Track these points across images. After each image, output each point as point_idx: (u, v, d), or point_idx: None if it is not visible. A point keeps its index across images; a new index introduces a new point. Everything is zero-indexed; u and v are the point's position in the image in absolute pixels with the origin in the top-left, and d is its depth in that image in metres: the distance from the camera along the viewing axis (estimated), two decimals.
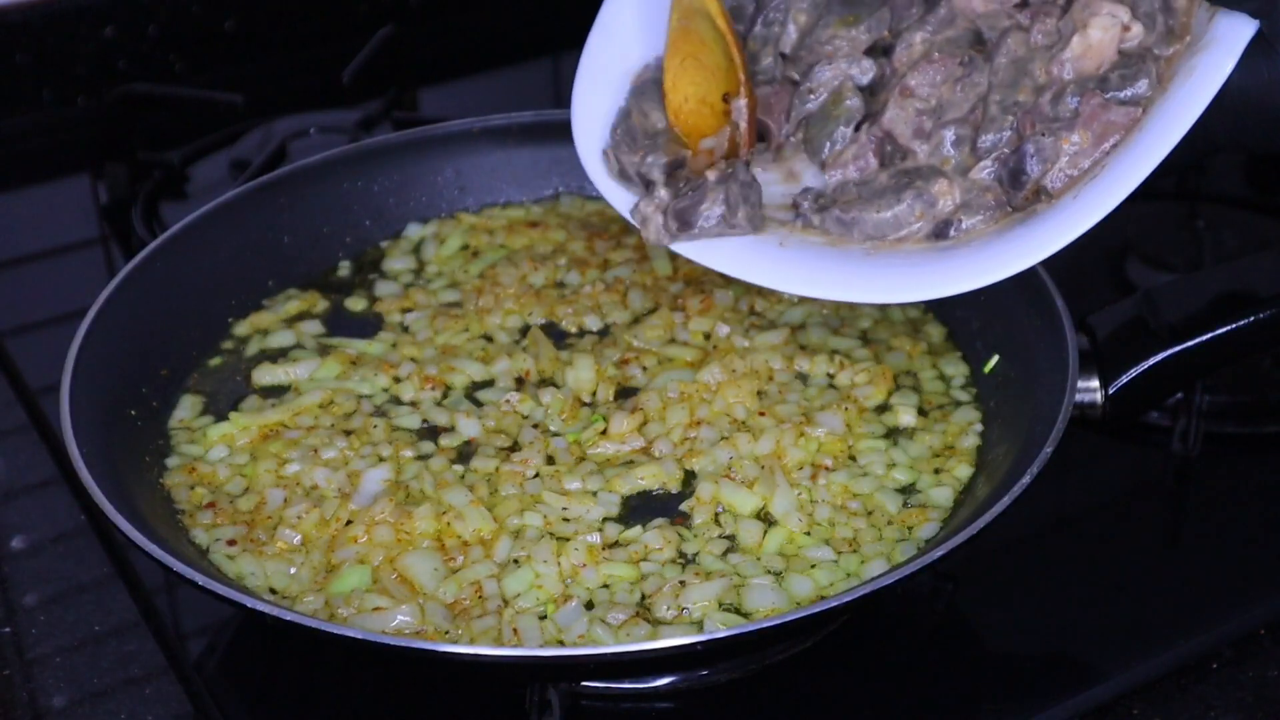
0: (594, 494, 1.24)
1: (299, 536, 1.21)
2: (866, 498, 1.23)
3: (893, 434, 1.30)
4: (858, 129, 1.23)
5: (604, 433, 1.30)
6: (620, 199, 1.27)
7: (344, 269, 1.54)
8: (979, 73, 1.19)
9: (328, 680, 1.20)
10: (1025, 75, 1.17)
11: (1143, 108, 1.12)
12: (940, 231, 1.17)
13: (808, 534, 1.20)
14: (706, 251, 1.21)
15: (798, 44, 1.28)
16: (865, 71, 1.24)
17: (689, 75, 1.25)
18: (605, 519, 1.22)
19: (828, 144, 1.24)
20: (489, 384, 1.37)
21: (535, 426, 1.31)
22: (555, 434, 1.31)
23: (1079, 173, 1.13)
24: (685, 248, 1.22)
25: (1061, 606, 1.24)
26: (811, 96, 1.25)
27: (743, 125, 1.24)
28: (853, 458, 1.27)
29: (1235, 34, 1.06)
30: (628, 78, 1.33)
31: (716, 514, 1.22)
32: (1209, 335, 1.25)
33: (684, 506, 1.23)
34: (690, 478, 1.26)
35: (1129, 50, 1.14)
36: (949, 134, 1.19)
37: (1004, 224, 1.16)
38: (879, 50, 1.25)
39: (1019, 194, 1.15)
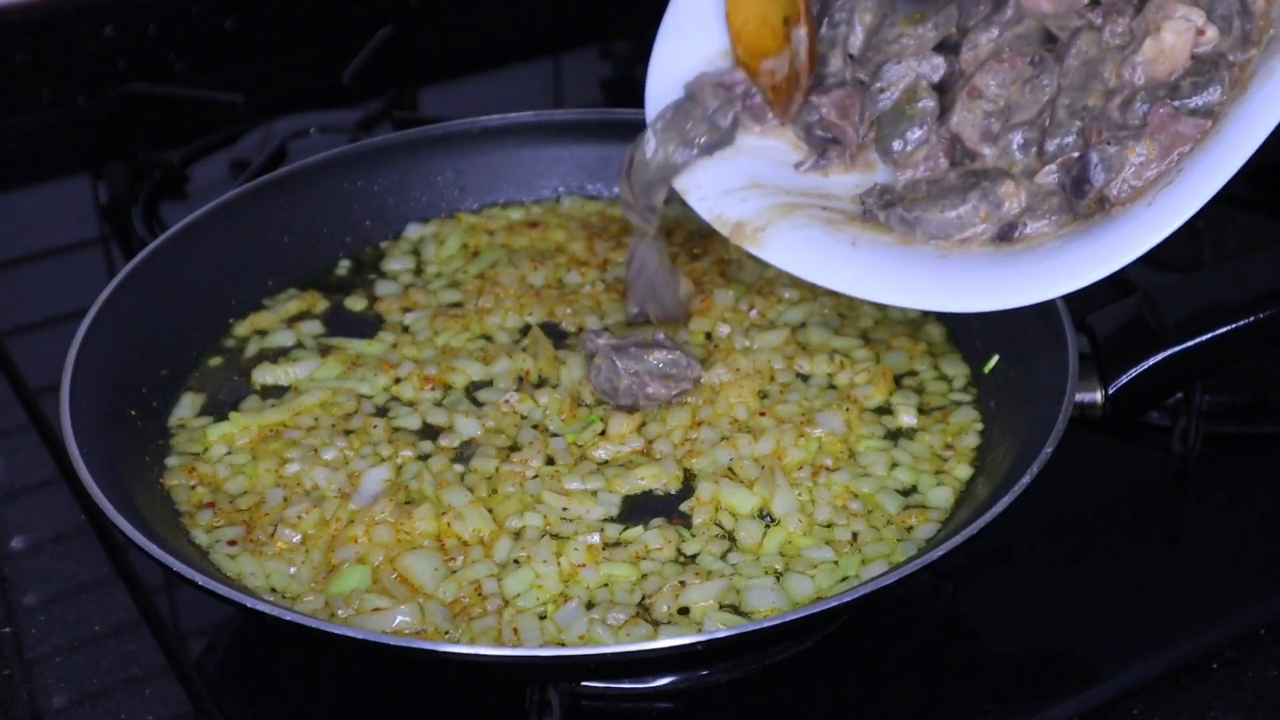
0: (594, 494, 1.24)
1: (299, 536, 1.21)
2: (867, 498, 1.23)
3: (893, 434, 1.30)
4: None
5: (603, 433, 1.30)
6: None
7: (343, 269, 1.54)
8: (1048, 74, 1.17)
9: (328, 680, 1.20)
10: (1095, 78, 1.15)
11: (1214, 118, 1.10)
12: (1005, 234, 1.16)
13: (806, 534, 1.20)
14: (783, 256, 1.22)
15: (865, 44, 1.27)
16: (936, 69, 1.24)
17: None
18: (605, 519, 1.22)
19: (899, 143, 1.24)
20: (489, 384, 1.37)
21: (535, 427, 1.31)
22: (554, 434, 1.31)
23: (1143, 183, 1.11)
24: (762, 252, 1.22)
25: (1061, 606, 1.24)
26: (884, 95, 1.25)
27: (802, 53, 1.25)
28: (853, 458, 1.27)
29: None
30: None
31: (716, 514, 1.22)
32: (1209, 335, 1.24)
33: (684, 507, 1.23)
34: (690, 478, 1.26)
35: (1202, 55, 1.12)
36: (1016, 137, 1.18)
37: (1071, 230, 1.15)
38: (947, 48, 1.25)
39: (1082, 202, 1.13)
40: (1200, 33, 1.11)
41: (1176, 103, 1.11)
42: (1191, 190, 1.08)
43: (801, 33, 1.25)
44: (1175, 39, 1.12)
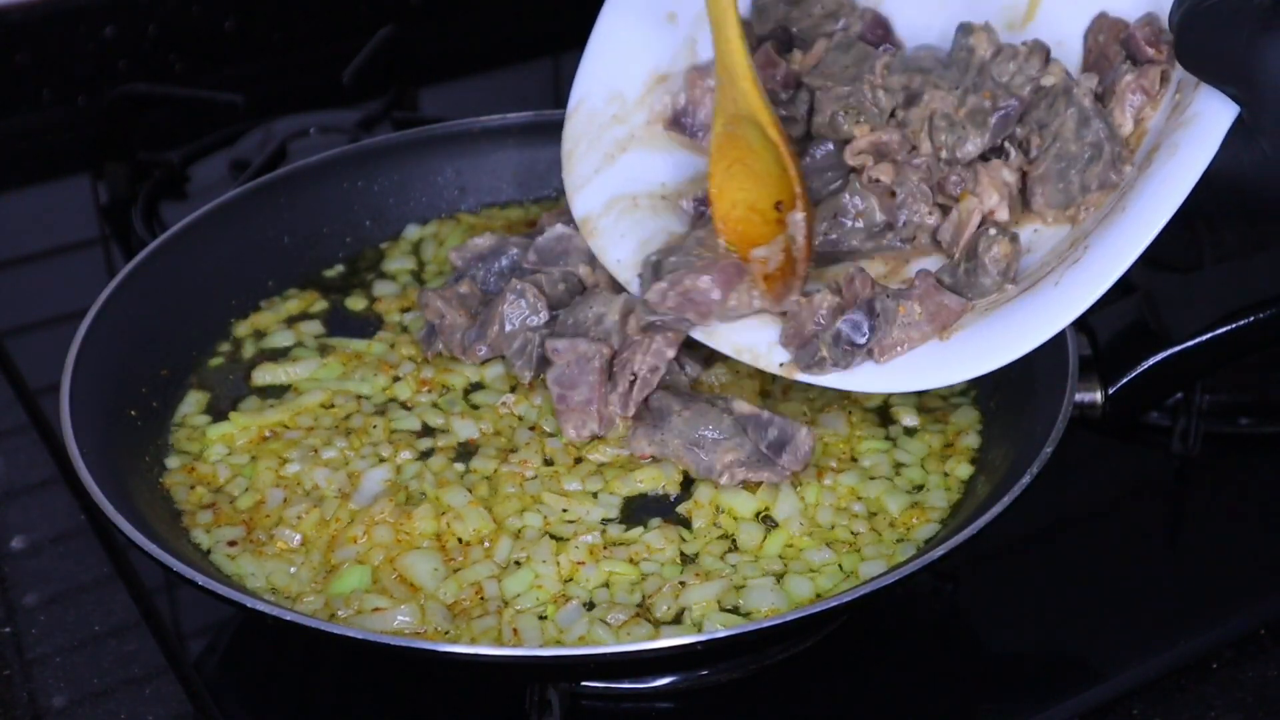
0: (594, 495, 1.24)
1: (299, 536, 1.21)
2: (871, 500, 1.23)
3: (893, 435, 1.30)
4: None
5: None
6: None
7: (342, 269, 1.53)
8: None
9: (328, 680, 1.20)
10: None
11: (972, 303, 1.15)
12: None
13: (809, 537, 1.20)
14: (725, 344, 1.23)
15: None
16: None
17: (736, 181, 1.23)
18: (604, 520, 1.22)
19: None
20: (486, 386, 1.36)
21: (531, 429, 1.31)
22: (550, 435, 1.30)
23: (908, 342, 1.15)
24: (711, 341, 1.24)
25: (1061, 606, 1.24)
26: None
27: (800, 239, 1.20)
28: (855, 459, 1.27)
29: (1218, 115, 1.04)
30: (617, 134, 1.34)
31: (716, 517, 1.22)
32: (1209, 335, 1.25)
33: (681, 509, 1.22)
34: (689, 481, 1.25)
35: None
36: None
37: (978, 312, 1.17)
38: None
39: (853, 355, 1.17)
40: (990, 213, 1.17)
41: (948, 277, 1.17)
42: (1105, 265, 1.07)
43: (799, 217, 1.20)
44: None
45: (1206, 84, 1.05)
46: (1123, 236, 1.07)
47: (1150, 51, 1.14)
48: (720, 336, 1.23)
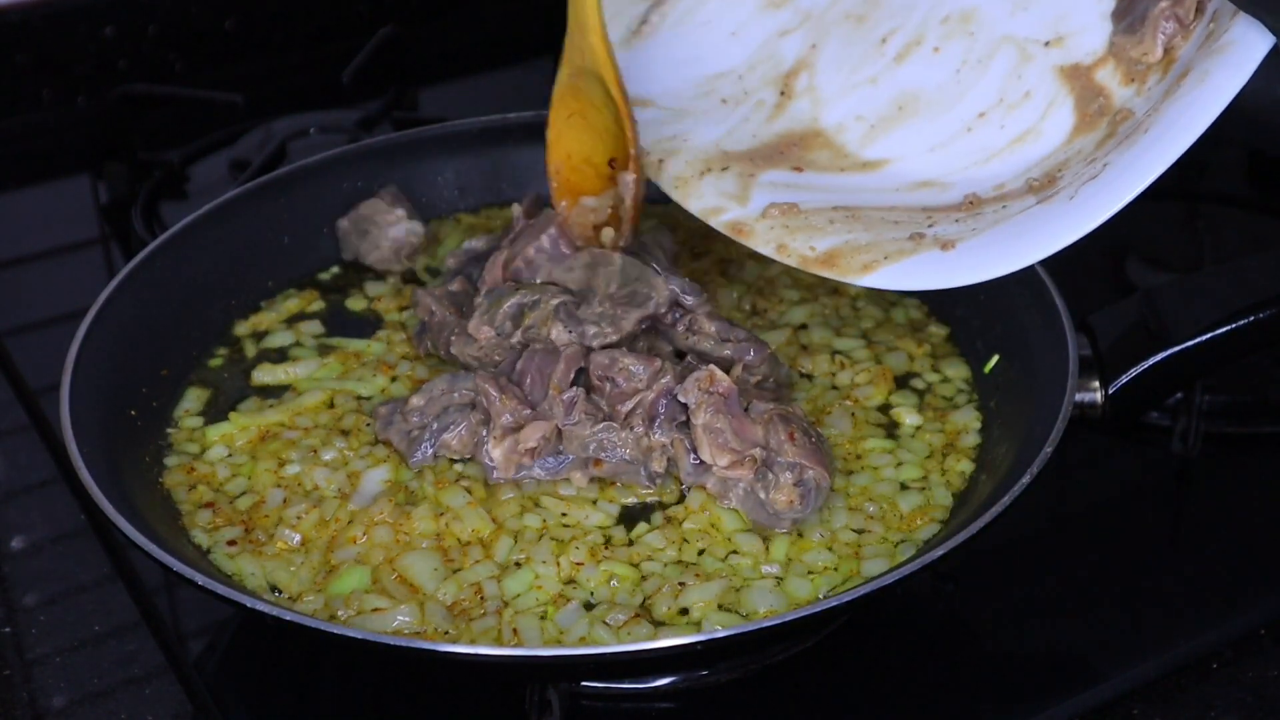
0: (593, 501, 1.23)
1: (299, 536, 1.21)
2: (882, 498, 1.23)
3: (894, 435, 1.30)
4: None
5: None
6: None
7: (341, 269, 1.53)
8: None
9: (328, 680, 1.20)
10: None
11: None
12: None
13: (823, 541, 1.19)
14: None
15: None
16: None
17: (574, 133, 1.26)
18: (602, 525, 1.21)
19: None
20: None
21: None
22: None
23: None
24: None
25: (1061, 606, 1.24)
26: None
27: (628, 200, 1.24)
28: (859, 459, 1.27)
29: (1252, 44, 1.04)
30: None
31: (709, 527, 1.21)
32: (1209, 335, 1.24)
33: (670, 513, 1.22)
34: (688, 490, 1.25)
35: None
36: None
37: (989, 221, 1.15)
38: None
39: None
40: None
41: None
42: (1119, 186, 1.07)
43: (630, 179, 1.24)
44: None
45: (1245, 13, 1.05)
46: (1143, 156, 1.07)
47: None
48: (693, 198, 1.22)
